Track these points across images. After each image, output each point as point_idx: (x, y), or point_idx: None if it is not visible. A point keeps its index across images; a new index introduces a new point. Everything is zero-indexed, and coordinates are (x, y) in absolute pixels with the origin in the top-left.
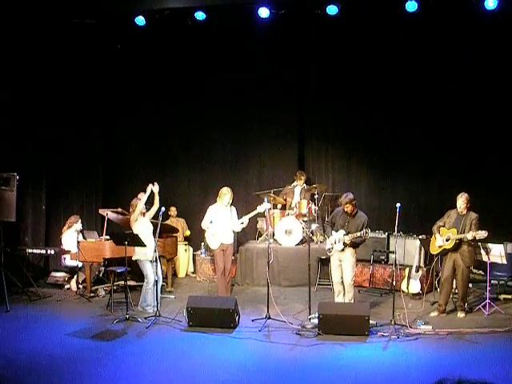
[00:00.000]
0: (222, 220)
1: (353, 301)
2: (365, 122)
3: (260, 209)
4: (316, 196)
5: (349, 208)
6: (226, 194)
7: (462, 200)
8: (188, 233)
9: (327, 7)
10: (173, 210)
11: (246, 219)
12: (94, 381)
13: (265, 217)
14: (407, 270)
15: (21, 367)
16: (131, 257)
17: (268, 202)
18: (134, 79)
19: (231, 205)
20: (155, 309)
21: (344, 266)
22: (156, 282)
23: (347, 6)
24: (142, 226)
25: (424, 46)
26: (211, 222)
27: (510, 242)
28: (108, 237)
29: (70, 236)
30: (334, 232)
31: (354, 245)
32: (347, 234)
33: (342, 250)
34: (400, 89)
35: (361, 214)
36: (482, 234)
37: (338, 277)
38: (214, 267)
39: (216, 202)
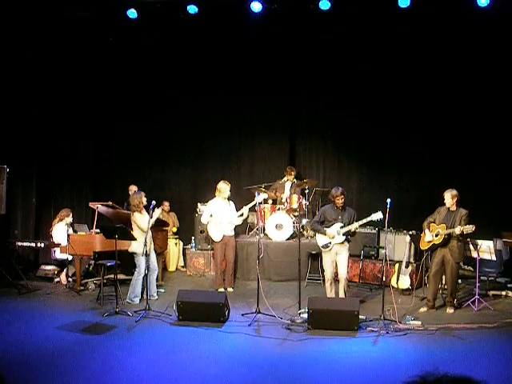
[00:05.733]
0: (222, 213)
1: (345, 295)
2: (356, 118)
3: (258, 199)
4: (306, 191)
5: (342, 200)
6: (225, 187)
7: (447, 195)
8: (175, 229)
9: (320, 2)
10: (166, 205)
11: (245, 210)
12: (83, 374)
13: (256, 211)
14: (397, 265)
15: (10, 360)
16: (121, 250)
17: (259, 195)
18: (126, 73)
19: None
20: (145, 299)
21: (341, 259)
22: (146, 275)
23: (340, 1)
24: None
25: (415, 43)
26: (211, 216)
27: (499, 238)
28: (98, 230)
29: (61, 229)
30: (327, 228)
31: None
32: (344, 225)
33: (342, 242)
34: (391, 86)
35: (347, 207)
36: (470, 227)
37: (332, 272)
38: (213, 260)
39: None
